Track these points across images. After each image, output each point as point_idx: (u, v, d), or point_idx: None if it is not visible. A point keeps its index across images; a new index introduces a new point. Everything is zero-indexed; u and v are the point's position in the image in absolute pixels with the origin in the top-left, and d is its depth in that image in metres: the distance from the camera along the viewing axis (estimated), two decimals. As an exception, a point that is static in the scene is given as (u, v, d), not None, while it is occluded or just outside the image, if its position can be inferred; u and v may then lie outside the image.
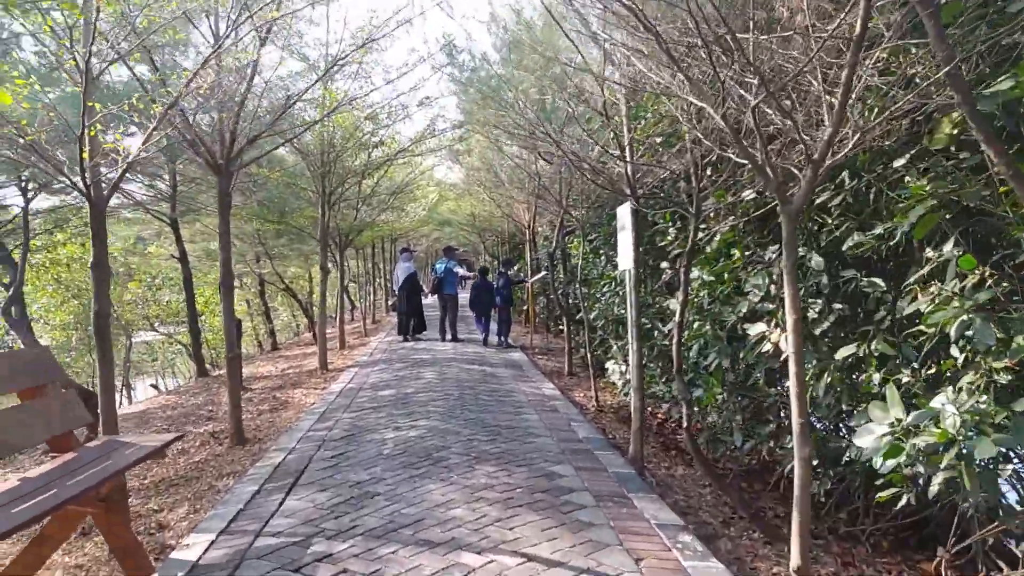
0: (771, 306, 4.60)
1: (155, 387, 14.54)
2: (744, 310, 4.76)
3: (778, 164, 3.11)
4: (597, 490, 4.81)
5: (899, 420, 3.15)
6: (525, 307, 19.26)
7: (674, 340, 4.98)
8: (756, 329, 4.46)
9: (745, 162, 3.62)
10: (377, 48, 8.65)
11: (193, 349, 12.55)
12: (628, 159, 5.66)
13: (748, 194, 4.93)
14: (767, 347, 4.50)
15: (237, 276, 17.51)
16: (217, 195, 6.99)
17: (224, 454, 6.71)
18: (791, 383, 3.07)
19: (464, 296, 16.11)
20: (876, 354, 3.91)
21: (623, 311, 7.72)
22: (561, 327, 16.95)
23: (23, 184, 9.23)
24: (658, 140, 5.99)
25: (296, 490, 4.90)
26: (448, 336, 14.50)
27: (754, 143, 3.04)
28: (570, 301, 11.33)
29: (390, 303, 22.91)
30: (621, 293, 7.79)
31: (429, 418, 6.97)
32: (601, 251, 10.49)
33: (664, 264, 6.68)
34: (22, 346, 9.64)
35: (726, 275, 5.19)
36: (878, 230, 3.88)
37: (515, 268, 21.59)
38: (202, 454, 6.89)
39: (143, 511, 4.98)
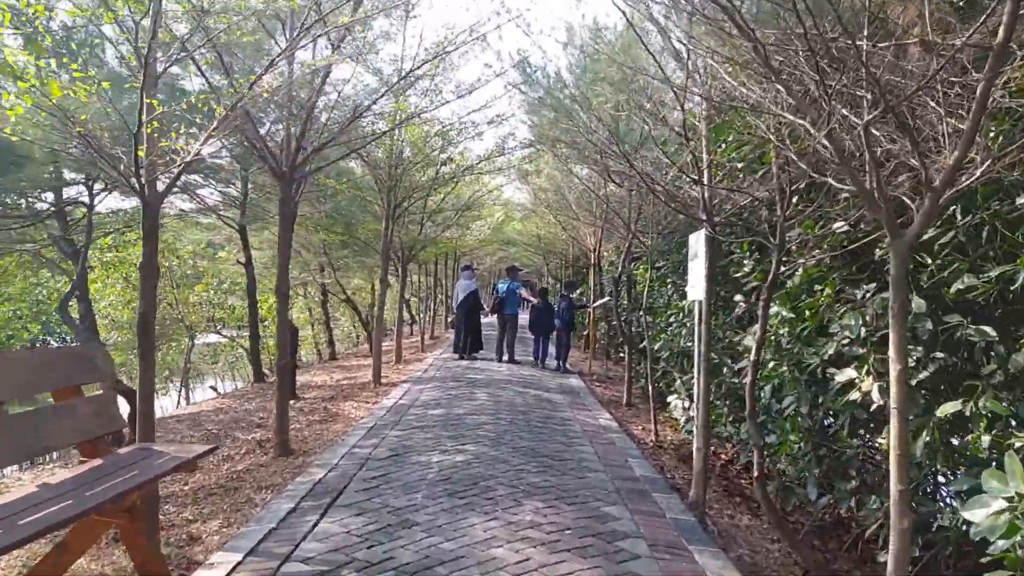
0: (861, 350, 4.13)
1: (214, 389, 14.72)
2: (830, 352, 4.30)
3: (888, 192, 2.71)
4: (653, 538, 4.40)
5: (1021, 495, 2.68)
6: (586, 332, 18.84)
7: (747, 379, 4.55)
8: (844, 375, 4.01)
9: (844, 189, 3.22)
10: (451, 65, 8.56)
11: (252, 354, 12.63)
12: (706, 183, 5.28)
13: (840, 225, 4.49)
14: (854, 395, 4.04)
15: (301, 284, 17.72)
16: (279, 202, 6.92)
17: (267, 464, 6.56)
18: (891, 443, 2.65)
19: (524, 317, 15.83)
20: (985, 413, 3.42)
21: (690, 344, 7.29)
22: (622, 355, 16.51)
23: (90, 183, 9.44)
24: (739, 164, 5.59)
25: (332, 511, 4.66)
26: (505, 357, 14.22)
27: (862, 167, 2.65)
28: (633, 329, 10.91)
29: (450, 320, 22.80)
30: (689, 325, 7.36)
31: (478, 443, 6.67)
32: (668, 279, 10.05)
33: (738, 297, 6.24)
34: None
35: (808, 313, 4.74)
36: (993, 272, 3.40)
37: (578, 292, 21.23)
38: (245, 463, 6.76)
39: (177, 520, 4.82)
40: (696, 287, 6.77)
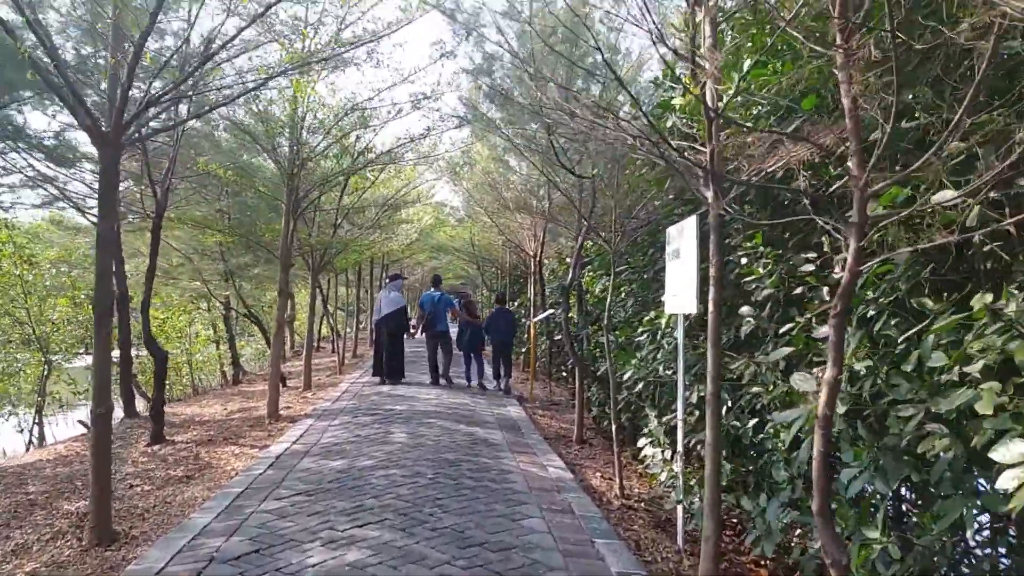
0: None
1: (84, 424, 12.21)
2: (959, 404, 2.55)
3: None
4: None
5: None
6: (524, 350, 17.03)
7: (814, 452, 2.75)
8: (1012, 452, 2.25)
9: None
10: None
11: (121, 383, 10.28)
12: (713, 135, 3.51)
13: (947, 197, 2.75)
14: (1009, 484, 2.30)
15: (201, 297, 15.30)
16: (100, 174, 4.81)
17: (71, 561, 4.45)
18: None
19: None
20: None
21: (669, 371, 5.52)
22: (564, 373, 14.74)
23: None
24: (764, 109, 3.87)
25: None
26: (442, 381, 12.34)
27: None
28: (583, 348, 9.12)
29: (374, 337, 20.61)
30: (668, 347, 5.59)
31: (383, 522, 4.69)
32: (625, 287, 8.34)
33: (745, 310, 4.50)
34: None
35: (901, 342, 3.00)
36: None
37: (516, 304, 19.42)
38: (44, 556, 4.63)
39: None
40: (680, 296, 5.02)
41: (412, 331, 12.99)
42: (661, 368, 5.47)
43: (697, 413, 5.10)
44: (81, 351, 12.36)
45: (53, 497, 6.14)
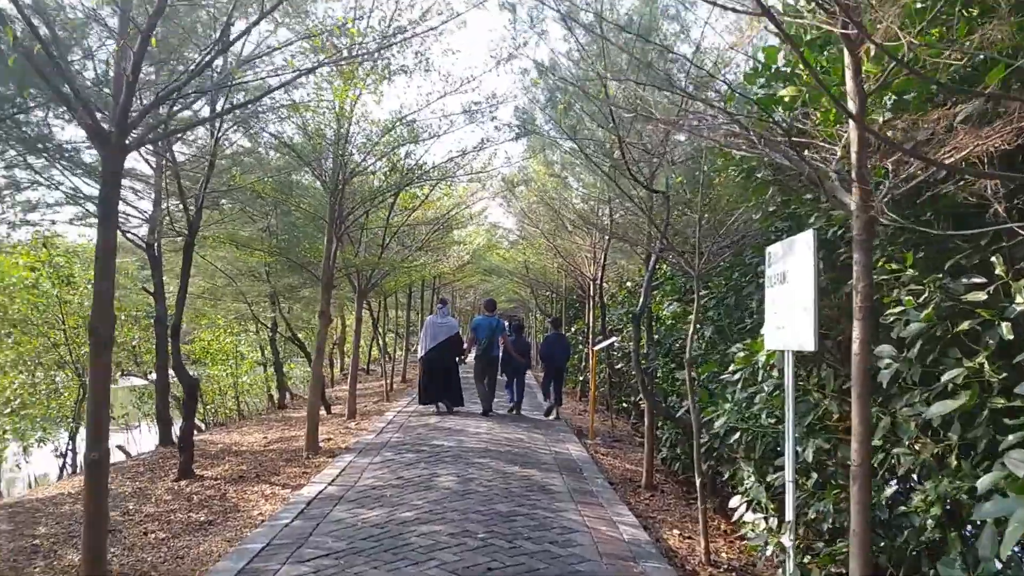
0: None
1: (122, 450, 11.77)
2: None
3: None
4: None
5: None
6: (581, 378, 16.06)
7: None
8: None
9: None
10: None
11: (158, 409, 9.73)
12: (858, 122, 2.61)
13: None
14: None
15: (247, 319, 14.84)
16: (101, 181, 4.15)
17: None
18: None
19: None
20: None
21: (773, 420, 4.54)
22: (625, 404, 13.72)
23: None
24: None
25: None
26: (489, 408, 11.68)
27: None
28: (653, 382, 8.16)
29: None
30: (769, 388, 4.62)
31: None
32: (704, 314, 7.39)
33: (884, 349, 3.53)
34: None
35: None
36: None
37: (572, 329, 18.50)
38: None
39: None
40: (790, 328, 4.09)
41: (463, 356, 12.27)
42: (764, 415, 4.49)
43: (815, 477, 4.11)
44: (118, 373, 11.97)
45: (60, 542, 5.48)
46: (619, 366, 12.82)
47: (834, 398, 4.20)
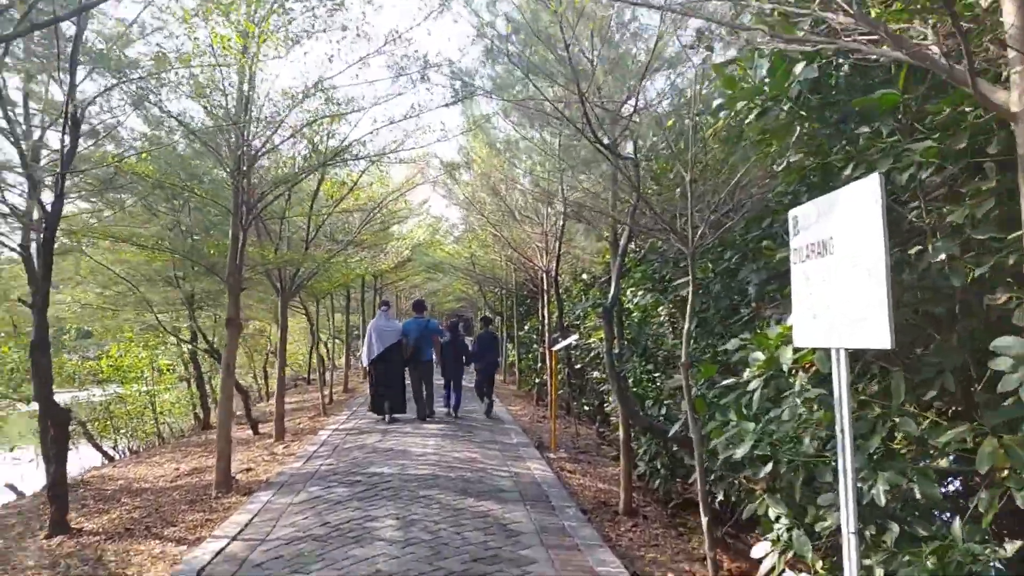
0: None
1: (12, 488, 10.03)
2: None
3: None
4: None
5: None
6: (538, 380, 14.83)
7: None
8: None
9: None
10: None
11: (42, 442, 8.04)
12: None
13: None
14: None
15: (162, 331, 13.05)
16: None
17: None
18: None
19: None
20: None
21: (816, 442, 3.34)
22: (587, 407, 12.53)
23: None
24: None
25: None
26: (427, 414, 11.10)
27: None
28: (628, 385, 6.95)
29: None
30: (804, 404, 3.42)
31: None
32: (675, 306, 6.21)
33: (1007, 341, 2.36)
34: None
35: None
36: None
37: (525, 328, 17.29)
38: None
39: None
40: (841, 319, 2.95)
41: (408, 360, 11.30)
42: (807, 441, 3.29)
43: (896, 529, 2.93)
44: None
45: None
46: (579, 366, 11.63)
47: (908, 415, 3.03)
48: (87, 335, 16.04)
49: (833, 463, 3.18)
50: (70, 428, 12.13)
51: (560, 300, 11.14)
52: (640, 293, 7.27)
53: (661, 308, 7.68)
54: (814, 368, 3.57)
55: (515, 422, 11.56)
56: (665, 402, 6.71)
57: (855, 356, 3.49)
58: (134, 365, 14.07)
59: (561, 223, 10.04)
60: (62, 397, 13.69)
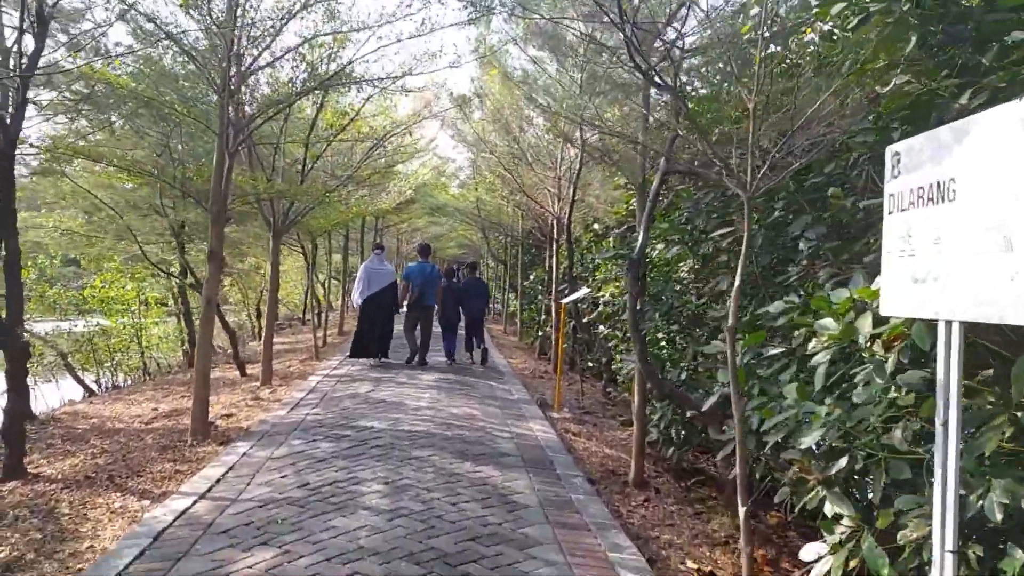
0: None
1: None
2: None
3: None
4: None
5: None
6: (540, 333, 14.26)
7: None
8: None
9: None
10: None
11: (8, 373, 7.49)
12: None
13: None
14: None
15: (147, 261, 12.37)
16: None
17: None
18: None
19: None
20: None
21: (917, 449, 2.71)
22: (591, 364, 11.94)
23: None
24: None
25: None
26: (422, 360, 10.95)
27: None
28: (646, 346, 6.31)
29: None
30: (890, 386, 2.78)
31: None
32: (722, 259, 5.55)
33: None
34: None
35: None
36: None
37: (530, 278, 16.66)
38: None
39: None
40: (962, 280, 2.28)
41: (398, 306, 10.86)
42: (899, 433, 2.66)
43: (1021, 556, 2.31)
44: None
45: None
46: (585, 320, 11.00)
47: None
48: (74, 262, 15.43)
49: (929, 462, 2.55)
50: (50, 360, 11.56)
51: (571, 249, 10.45)
52: (664, 246, 6.58)
53: (683, 264, 7.01)
54: (898, 343, 2.92)
55: (515, 376, 11.00)
56: (685, 367, 6.09)
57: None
58: (120, 297, 13.48)
59: (578, 167, 9.29)
60: (43, 326, 13.21)
